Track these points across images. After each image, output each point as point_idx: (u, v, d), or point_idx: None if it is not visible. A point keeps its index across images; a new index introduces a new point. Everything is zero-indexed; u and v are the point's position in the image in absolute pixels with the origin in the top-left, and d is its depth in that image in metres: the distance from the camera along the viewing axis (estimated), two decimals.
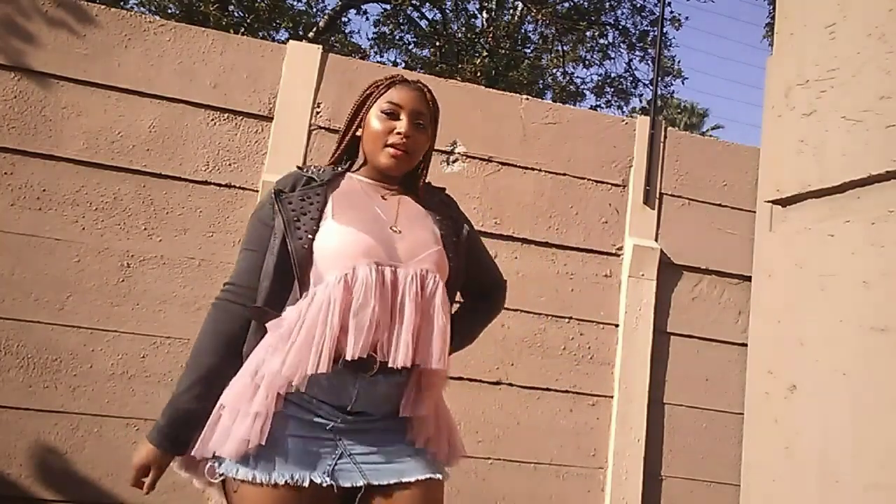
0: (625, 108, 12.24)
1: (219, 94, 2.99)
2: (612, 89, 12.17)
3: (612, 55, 11.96)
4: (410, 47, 11.70)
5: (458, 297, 1.61)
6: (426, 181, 1.64)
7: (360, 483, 1.36)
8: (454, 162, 3.19)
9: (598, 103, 12.17)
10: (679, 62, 15.38)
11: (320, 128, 3.06)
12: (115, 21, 2.94)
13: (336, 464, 1.36)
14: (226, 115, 2.99)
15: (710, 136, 18.85)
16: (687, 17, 21.04)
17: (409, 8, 10.70)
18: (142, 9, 9.12)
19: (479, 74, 9.46)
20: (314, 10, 10.72)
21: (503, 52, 10.72)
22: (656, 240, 3.36)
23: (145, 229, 2.87)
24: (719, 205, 3.47)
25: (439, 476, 1.43)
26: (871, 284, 0.85)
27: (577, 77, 20.65)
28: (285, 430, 1.35)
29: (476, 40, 10.91)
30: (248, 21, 9.28)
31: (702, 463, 3.29)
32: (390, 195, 1.55)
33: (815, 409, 0.89)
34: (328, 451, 1.37)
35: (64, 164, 2.82)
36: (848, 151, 0.90)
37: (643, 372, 3.24)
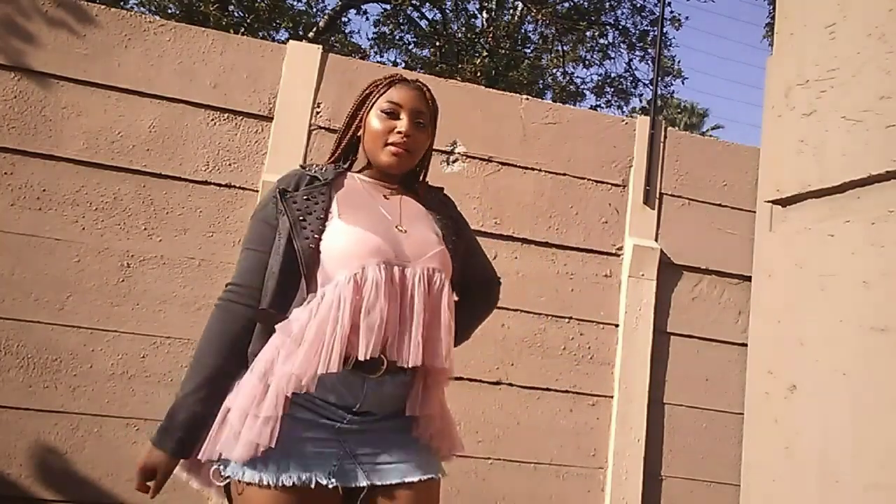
0: (625, 108, 12.26)
1: (219, 94, 2.99)
2: (612, 89, 12.17)
3: (612, 55, 11.97)
4: (410, 47, 11.71)
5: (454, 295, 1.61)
6: (425, 181, 1.65)
7: (364, 483, 1.36)
8: (454, 162, 3.19)
9: (598, 103, 12.19)
10: (679, 62, 15.42)
11: (320, 128, 3.06)
12: (115, 21, 2.94)
13: (340, 464, 1.35)
14: (226, 115, 2.99)
15: (710, 136, 18.85)
16: (687, 17, 21.06)
17: (409, 8, 10.70)
18: (142, 9, 9.13)
19: (479, 74, 9.46)
20: (314, 10, 10.73)
21: (503, 52, 10.72)
22: (656, 240, 3.36)
23: (145, 229, 2.87)
24: (719, 205, 3.47)
25: (439, 476, 1.44)
26: (871, 284, 0.85)
27: (577, 77, 20.70)
28: (292, 432, 1.33)
29: (476, 40, 10.91)
30: (248, 21, 9.29)
31: (702, 463, 3.29)
32: (391, 194, 1.55)
33: (815, 409, 0.89)
34: (333, 452, 1.36)
35: (64, 164, 2.82)
36: (848, 151, 0.90)
37: (643, 372, 3.24)
